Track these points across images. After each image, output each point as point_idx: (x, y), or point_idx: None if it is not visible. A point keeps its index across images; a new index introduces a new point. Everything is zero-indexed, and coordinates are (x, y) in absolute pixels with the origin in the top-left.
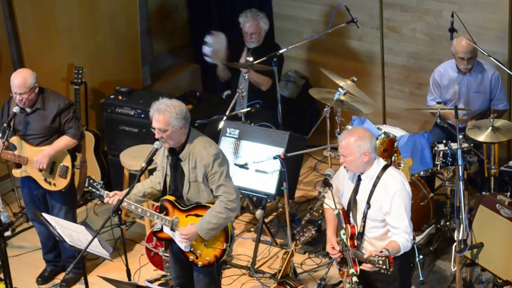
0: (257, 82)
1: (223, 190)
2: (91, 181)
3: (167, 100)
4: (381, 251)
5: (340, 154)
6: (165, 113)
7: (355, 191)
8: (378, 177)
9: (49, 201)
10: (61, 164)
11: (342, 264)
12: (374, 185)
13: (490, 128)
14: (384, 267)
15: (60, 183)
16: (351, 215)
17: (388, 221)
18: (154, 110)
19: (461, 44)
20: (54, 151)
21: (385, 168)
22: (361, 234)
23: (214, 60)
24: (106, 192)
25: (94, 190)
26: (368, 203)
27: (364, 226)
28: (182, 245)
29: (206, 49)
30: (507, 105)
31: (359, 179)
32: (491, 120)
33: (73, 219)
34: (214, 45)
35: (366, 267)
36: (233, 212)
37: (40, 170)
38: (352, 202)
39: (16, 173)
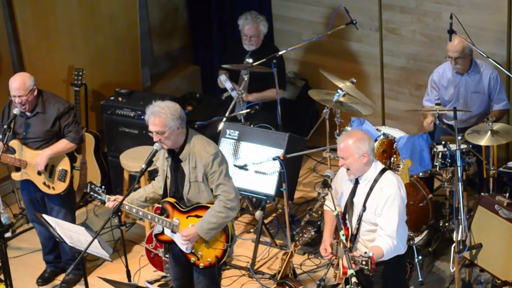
0: (265, 99)
1: (222, 189)
2: (92, 186)
3: (160, 102)
4: (365, 252)
5: (339, 157)
6: (161, 115)
7: (352, 193)
8: (376, 180)
9: (48, 204)
10: (60, 168)
11: (336, 266)
12: (371, 188)
13: (489, 132)
14: (367, 267)
15: (59, 187)
16: (347, 217)
17: (378, 221)
18: (149, 114)
19: (452, 43)
20: (53, 152)
21: (382, 171)
22: (354, 236)
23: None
24: (107, 196)
25: (96, 195)
26: (364, 205)
27: (358, 229)
28: (183, 246)
29: (228, 84)
30: (507, 105)
31: (356, 182)
32: (490, 123)
33: (72, 222)
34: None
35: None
36: (233, 211)
37: (39, 173)
38: (349, 205)
39: (15, 176)
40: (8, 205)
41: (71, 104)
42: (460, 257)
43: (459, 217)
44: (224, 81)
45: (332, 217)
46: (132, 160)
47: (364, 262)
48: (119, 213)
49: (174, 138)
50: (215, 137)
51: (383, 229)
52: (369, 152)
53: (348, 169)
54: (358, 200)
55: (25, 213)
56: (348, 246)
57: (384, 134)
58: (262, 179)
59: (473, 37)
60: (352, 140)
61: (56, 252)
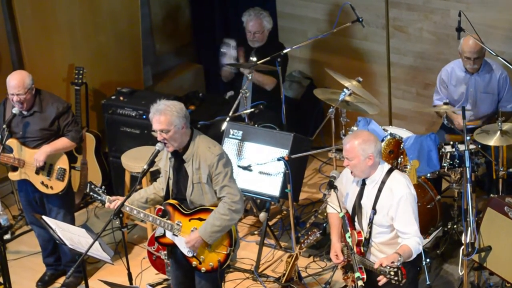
0: (260, 82)
1: (227, 191)
2: (92, 186)
3: (165, 100)
4: (392, 261)
5: (344, 158)
6: (166, 113)
7: (360, 195)
8: (383, 182)
9: (46, 204)
10: (58, 167)
11: (347, 270)
12: (380, 190)
13: (499, 132)
14: (396, 278)
15: (57, 186)
16: (356, 220)
17: (396, 227)
18: (154, 111)
19: (468, 43)
20: (53, 149)
21: (389, 172)
22: (368, 241)
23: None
24: (107, 197)
25: (95, 195)
26: (374, 208)
27: (370, 232)
28: (185, 250)
29: (224, 60)
30: None
31: (363, 184)
32: (499, 123)
33: (71, 223)
34: (228, 53)
35: (380, 281)
36: (237, 213)
37: (37, 172)
38: (357, 207)
39: (13, 176)
40: (7, 206)
41: (69, 103)
42: (468, 260)
43: (468, 219)
44: (223, 52)
45: (338, 219)
46: (133, 160)
47: (392, 273)
48: (121, 215)
49: (179, 138)
50: (219, 137)
51: (407, 232)
52: (375, 154)
53: (351, 171)
54: (366, 203)
55: (24, 214)
56: (362, 251)
57: (391, 134)
58: (266, 180)
59: (481, 35)
60: (358, 141)
61: (56, 254)
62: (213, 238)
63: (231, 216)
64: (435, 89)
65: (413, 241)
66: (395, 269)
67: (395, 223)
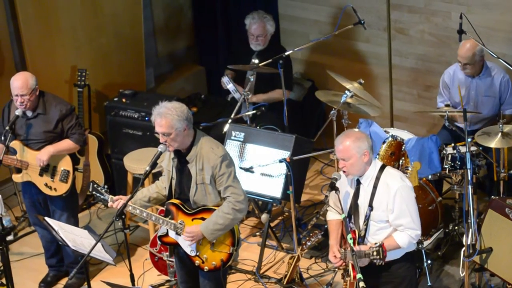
0: (271, 100)
1: (232, 191)
2: (95, 185)
3: (167, 103)
4: (376, 243)
5: (340, 159)
6: (167, 116)
7: (356, 195)
8: (377, 178)
9: (50, 206)
10: (62, 168)
11: (344, 275)
12: (375, 187)
13: (500, 134)
14: (378, 256)
15: (61, 188)
16: (352, 220)
17: (390, 219)
18: (155, 114)
19: (463, 47)
20: (56, 150)
21: (382, 168)
22: (363, 238)
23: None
24: (110, 196)
25: (98, 194)
26: (370, 205)
27: (366, 229)
28: (188, 249)
29: (230, 86)
30: None
31: (358, 183)
32: (500, 125)
33: (75, 225)
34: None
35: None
36: (241, 213)
37: (41, 174)
38: (354, 207)
39: (17, 178)
40: (10, 207)
41: (73, 105)
42: (470, 261)
43: (469, 221)
44: (226, 82)
45: (337, 225)
46: (136, 162)
47: (375, 253)
48: (123, 216)
49: (181, 140)
50: (221, 139)
51: (399, 224)
52: (369, 150)
53: (344, 171)
54: (362, 201)
55: (27, 216)
56: (356, 249)
57: (392, 136)
58: (268, 181)
59: (483, 37)
60: (350, 140)
61: (58, 255)
62: (214, 236)
63: (234, 216)
64: (438, 92)
65: (403, 234)
66: (377, 248)
67: (390, 215)
